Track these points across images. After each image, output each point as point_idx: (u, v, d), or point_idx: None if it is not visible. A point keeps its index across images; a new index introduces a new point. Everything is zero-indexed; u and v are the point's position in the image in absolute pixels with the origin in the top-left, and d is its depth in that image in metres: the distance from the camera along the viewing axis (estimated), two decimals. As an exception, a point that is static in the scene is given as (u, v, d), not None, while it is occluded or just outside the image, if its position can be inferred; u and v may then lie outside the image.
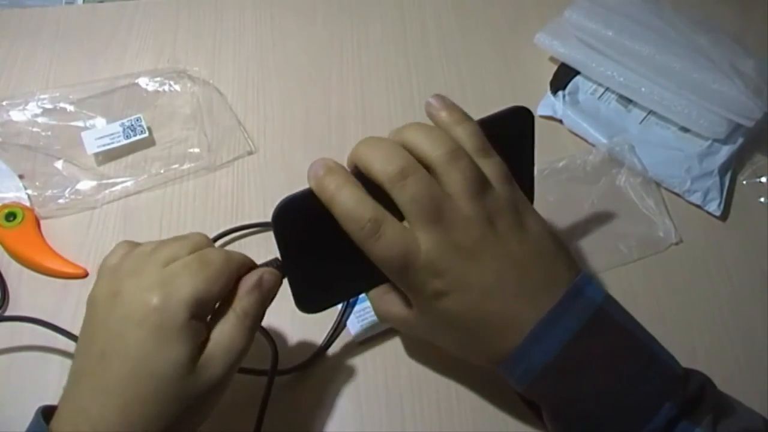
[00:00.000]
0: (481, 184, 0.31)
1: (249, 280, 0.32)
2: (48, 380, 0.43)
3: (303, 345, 0.44)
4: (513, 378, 0.32)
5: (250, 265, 0.34)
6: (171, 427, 0.29)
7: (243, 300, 0.32)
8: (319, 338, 0.43)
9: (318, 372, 0.43)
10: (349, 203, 0.30)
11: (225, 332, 0.31)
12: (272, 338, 0.41)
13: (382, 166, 0.30)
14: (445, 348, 0.36)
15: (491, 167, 0.32)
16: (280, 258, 0.34)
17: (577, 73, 0.58)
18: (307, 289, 0.35)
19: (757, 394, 0.44)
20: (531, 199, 0.38)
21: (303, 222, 0.32)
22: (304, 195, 0.32)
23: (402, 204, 0.30)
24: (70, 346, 0.44)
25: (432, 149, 0.31)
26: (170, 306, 0.29)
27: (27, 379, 0.43)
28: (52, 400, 0.42)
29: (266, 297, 0.33)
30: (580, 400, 0.31)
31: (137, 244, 0.34)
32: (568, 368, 0.30)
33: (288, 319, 0.44)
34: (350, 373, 0.43)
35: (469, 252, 0.30)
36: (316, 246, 0.33)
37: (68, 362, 0.43)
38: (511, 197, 0.32)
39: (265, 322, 0.35)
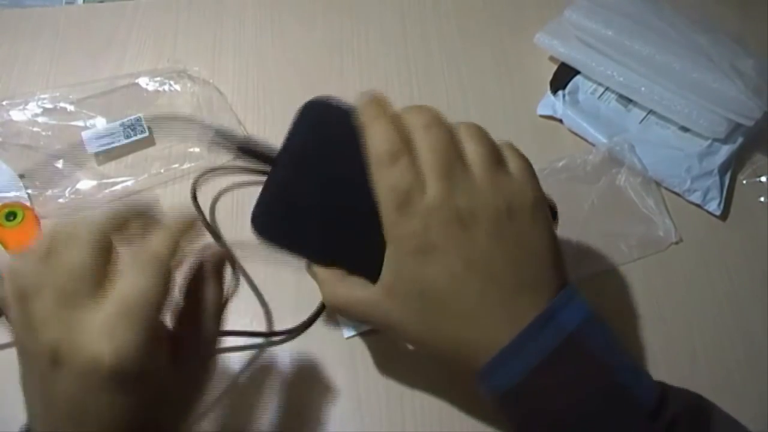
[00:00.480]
0: (497, 163, 0.32)
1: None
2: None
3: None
4: (478, 388, 0.32)
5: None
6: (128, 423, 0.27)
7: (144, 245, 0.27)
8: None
9: (317, 371, 0.43)
10: (383, 127, 0.31)
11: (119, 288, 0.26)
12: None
13: (412, 114, 0.32)
14: (409, 340, 0.35)
15: (514, 158, 0.33)
16: (281, 147, 0.32)
17: (577, 72, 0.58)
18: (278, 205, 0.32)
19: (757, 394, 0.44)
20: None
21: (325, 129, 0.31)
22: (343, 107, 0.32)
23: (421, 148, 0.30)
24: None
25: (461, 125, 0.33)
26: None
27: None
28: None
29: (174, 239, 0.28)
30: (540, 426, 0.30)
31: None
32: (530, 394, 0.30)
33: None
34: (350, 372, 0.43)
35: (466, 219, 0.30)
36: (320, 165, 0.31)
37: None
38: (528, 190, 0.32)
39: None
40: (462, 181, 0.30)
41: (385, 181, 0.30)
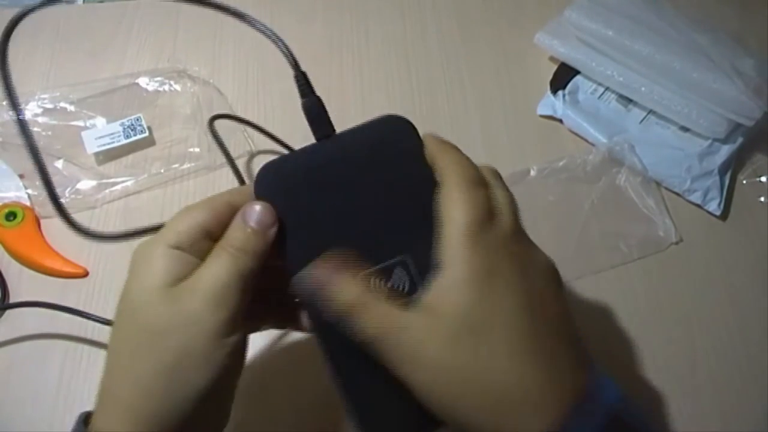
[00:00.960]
0: (523, 233, 0.30)
1: (237, 215, 0.29)
2: (48, 377, 0.43)
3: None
4: None
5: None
6: (161, 371, 0.27)
7: (232, 234, 0.29)
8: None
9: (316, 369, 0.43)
10: (464, 156, 0.31)
11: (209, 266, 0.28)
12: None
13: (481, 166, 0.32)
14: (433, 387, 0.27)
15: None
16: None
17: (577, 72, 0.58)
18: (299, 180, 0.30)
19: (757, 394, 0.44)
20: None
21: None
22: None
23: (495, 186, 0.31)
24: (71, 340, 0.45)
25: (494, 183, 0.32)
26: (150, 243, 0.28)
27: (27, 376, 0.43)
28: (52, 396, 0.43)
29: (259, 229, 0.29)
30: None
31: None
32: None
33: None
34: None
35: (527, 263, 0.29)
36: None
37: (70, 358, 0.43)
38: (553, 267, 0.31)
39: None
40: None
41: (465, 202, 0.28)
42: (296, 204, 0.29)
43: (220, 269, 0.27)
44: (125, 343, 0.28)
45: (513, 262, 0.28)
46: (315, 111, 0.32)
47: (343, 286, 0.28)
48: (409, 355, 0.27)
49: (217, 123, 0.51)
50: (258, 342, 0.44)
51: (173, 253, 0.28)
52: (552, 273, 0.30)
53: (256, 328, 0.34)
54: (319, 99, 0.32)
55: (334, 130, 0.31)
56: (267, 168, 0.30)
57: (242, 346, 0.29)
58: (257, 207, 0.29)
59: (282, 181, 0.30)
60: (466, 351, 0.26)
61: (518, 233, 0.30)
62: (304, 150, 0.31)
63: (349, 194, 0.30)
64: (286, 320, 0.35)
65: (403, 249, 0.29)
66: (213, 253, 0.28)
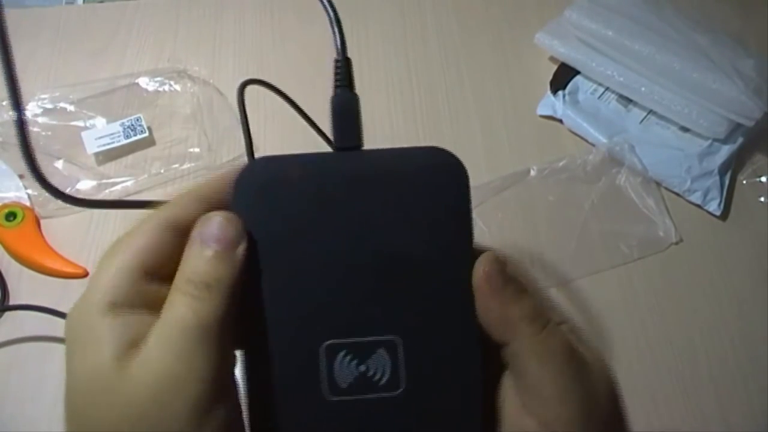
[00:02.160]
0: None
1: (191, 237, 0.21)
2: (48, 377, 0.43)
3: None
4: None
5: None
6: None
7: (187, 266, 0.21)
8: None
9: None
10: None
11: (166, 320, 0.20)
12: None
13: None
14: None
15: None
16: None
17: (577, 72, 0.58)
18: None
19: (757, 393, 0.44)
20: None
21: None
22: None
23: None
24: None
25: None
26: (81, 312, 0.21)
27: (27, 376, 0.43)
28: (53, 395, 0.43)
29: (221, 251, 0.21)
30: None
31: None
32: None
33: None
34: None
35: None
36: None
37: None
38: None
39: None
40: None
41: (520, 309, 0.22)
42: (278, 223, 0.22)
43: (174, 327, 0.20)
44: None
45: (586, 346, 0.24)
46: (347, 110, 0.25)
47: None
48: None
49: (217, 123, 0.51)
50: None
51: (115, 313, 0.20)
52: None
53: None
54: (358, 98, 0.25)
55: (361, 144, 0.24)
56: (256, 165, 0.22)
57: (232, 417, 0.21)
58: (216, 220, 0.21)
59: (270, 188, 0.22)
60: None
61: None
62: (310, 156, 0.23)
63: (349, 231, 0.22)
64: None
65: (396, 330, 0.22)
66: (167, 301, 0.20)
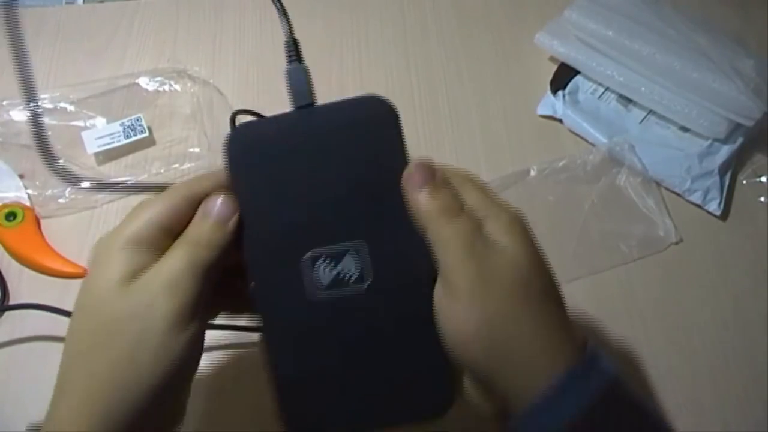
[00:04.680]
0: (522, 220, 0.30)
1: (199, 209, 0.29)
2: (48, 377, 0.43)
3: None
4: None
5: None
6: (122, 363, 0.27)
7: (192, 228, 0.29)
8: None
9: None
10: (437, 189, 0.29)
11: (167, 258, 0.28)
12: None
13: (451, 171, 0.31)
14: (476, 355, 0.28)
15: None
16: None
17: (577, 72, 0.58)
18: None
19: (757, 394, 0.44)
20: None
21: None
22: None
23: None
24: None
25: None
26: (108, 238, 0.28)
27: (27, 376, 0.43)
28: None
29: (217, 222, 0.29)
30: None
31: None
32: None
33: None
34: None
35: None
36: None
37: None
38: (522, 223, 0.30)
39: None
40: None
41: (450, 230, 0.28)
42: (261, 170, 0.29)
43: (176, 260, 0.28)
44: (82, 335, 0.28)
45: (512, 224, 0.29)
46: (299, 78, 0.31)
47: None
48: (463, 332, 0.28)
49: (217, 123, 0.51)
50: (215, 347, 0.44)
51: (131, 247, 0.28)
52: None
53: (213, 316, 0.33)
54: (306, 68, 0.31)
55: (314, 102, 0.31)
56: (239, 131, 0.30)
57: (199, 337, 0.29)
58: (218, 200, 0.29)
59: (251, 146, 0.29)
60: (492, 318, 0.27)
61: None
62: (278, 117, 0.30)
63: (315, 169, 0.29)
64: (242, 307, 0.34)
65: (358, 236, 0.29)
66: (172, 247, 0.28)
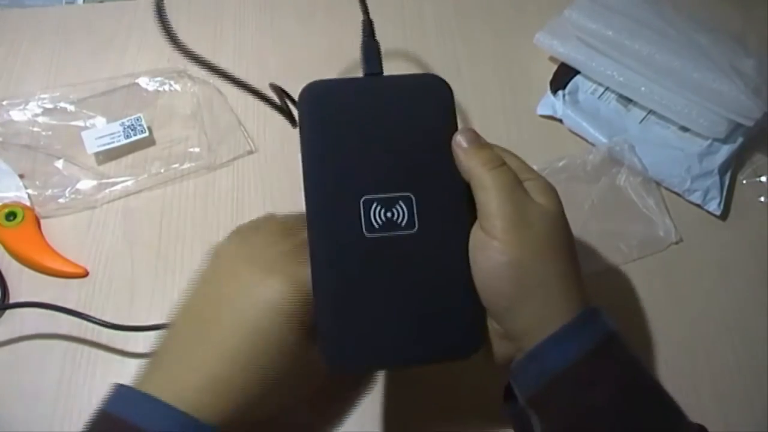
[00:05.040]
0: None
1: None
2: (48, 377, 0.43)
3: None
4: (524, 379, 0.31)
5: None
6: (273, 383, 0.30)
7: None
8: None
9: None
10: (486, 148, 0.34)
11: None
12: None
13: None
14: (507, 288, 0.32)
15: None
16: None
17: (577, 72, 0.58)
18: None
19: (757, 394, 0.44)
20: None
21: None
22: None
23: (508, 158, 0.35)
24: (71, 340, 0.45)
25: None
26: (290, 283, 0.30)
27: (27, 376, 0.43)
28: (53, 396, 0.43)
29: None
30: (585, 416, 0.30)
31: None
32: (580, 380, 0.30)
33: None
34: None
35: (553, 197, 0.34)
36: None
37: (69, 358, 0.43)
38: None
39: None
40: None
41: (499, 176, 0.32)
42: (331, 119, 0.33)
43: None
44: (207, 315, 0.31)
45: (546, 189, 0.34)
46: (371, 50, 0.36)
47: None
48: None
49: (217, 123, 0.51)
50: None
51: (297, 296, 0.30)
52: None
53: None
54: (378, 43, 0.37)
55: (382, 72, 0.36)
56: (315, 84, 0.33)
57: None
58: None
59: (324, 97, 0.33)
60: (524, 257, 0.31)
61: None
62: (351, 79, 0.35)
63: (378, 126, 0.33)
64: None
65: (410, 189, 0.32)
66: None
